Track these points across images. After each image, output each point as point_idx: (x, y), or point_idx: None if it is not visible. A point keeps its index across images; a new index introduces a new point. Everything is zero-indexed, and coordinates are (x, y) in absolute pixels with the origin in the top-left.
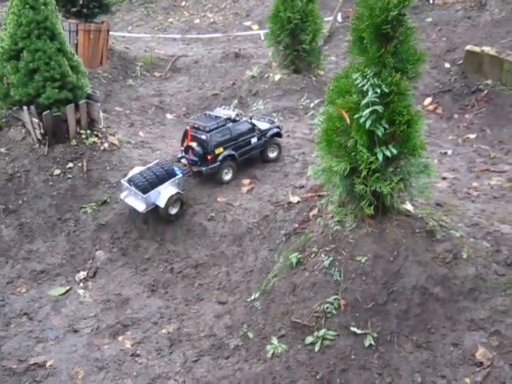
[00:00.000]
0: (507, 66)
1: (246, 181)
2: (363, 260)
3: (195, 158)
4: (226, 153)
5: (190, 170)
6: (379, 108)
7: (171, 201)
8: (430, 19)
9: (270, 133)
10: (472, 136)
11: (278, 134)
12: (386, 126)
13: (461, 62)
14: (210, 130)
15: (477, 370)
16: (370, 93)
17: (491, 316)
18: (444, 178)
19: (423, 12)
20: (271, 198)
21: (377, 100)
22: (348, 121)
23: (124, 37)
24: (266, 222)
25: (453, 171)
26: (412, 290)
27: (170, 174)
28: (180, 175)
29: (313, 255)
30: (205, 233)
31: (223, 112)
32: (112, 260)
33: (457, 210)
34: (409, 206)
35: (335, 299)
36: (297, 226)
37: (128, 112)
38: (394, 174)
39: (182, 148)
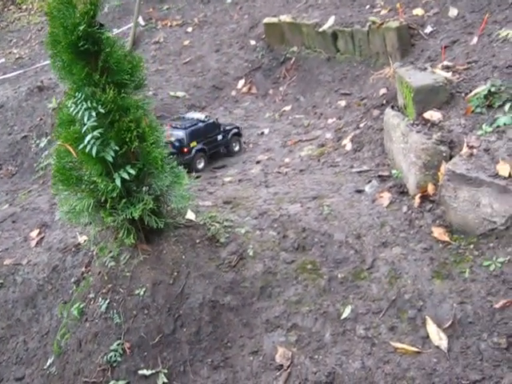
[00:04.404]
0: (306, 30)
1: (35, 232)
2: (142, 292)
3: (174, 151)
4: (199, 146)
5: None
6: (98, 132)
7: None
8: (229, 0)
9: (232, 132)
10: (287, 108)
11: (238, 133)
12: (116, 148)
13: (264, 36)
14: (186, 128)
15: (277, 374)
16: (85, 118)
17: (286, 310)
18: (258, 162)
19: None
20: (60, 245)
21: (96, 124)
22: (74, 154)
23: None
24: (57, 274)
25: (268, 151)
26: (200, 307)
27: None
28: None
29: (92, 302)
30: None
31: (195, 115)
32: None
33: (246, 202)
34: (190, 215)
35: (118, 345)
36: (84, 269)
37: None
38: (149, 194)
39: None
